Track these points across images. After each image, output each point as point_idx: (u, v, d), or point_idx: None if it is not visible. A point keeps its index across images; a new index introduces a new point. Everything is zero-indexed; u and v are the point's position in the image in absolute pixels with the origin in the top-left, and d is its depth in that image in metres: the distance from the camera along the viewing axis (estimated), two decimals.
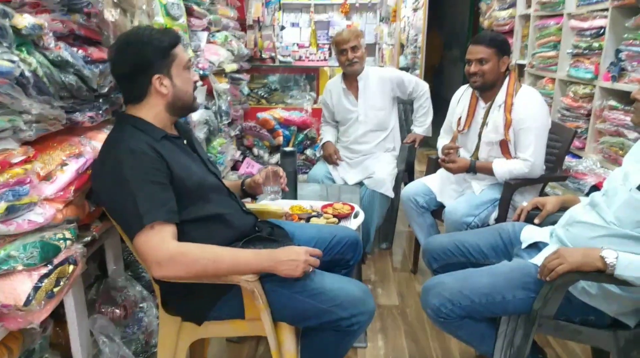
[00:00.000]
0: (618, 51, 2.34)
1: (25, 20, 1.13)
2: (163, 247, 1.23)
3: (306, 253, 1.33)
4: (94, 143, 1.49)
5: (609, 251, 1.29)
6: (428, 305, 1.48)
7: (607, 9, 2.42)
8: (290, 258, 1.31)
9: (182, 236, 1.31)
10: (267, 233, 1.56)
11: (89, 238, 1.44)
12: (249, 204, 1.80)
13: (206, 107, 2.68)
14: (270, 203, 1.84)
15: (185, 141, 1.50)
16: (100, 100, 1.54)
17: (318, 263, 1.36)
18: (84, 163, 1.38)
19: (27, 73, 1.13)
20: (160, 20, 2.01)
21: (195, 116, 2.42)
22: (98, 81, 1.47)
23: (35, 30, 1.18)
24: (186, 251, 1.26)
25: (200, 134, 2.50)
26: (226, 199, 1.51)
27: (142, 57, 1.35)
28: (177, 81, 1.40)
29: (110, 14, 1.52)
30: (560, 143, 2.28)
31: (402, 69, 6.18)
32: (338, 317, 1.35)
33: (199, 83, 2.49)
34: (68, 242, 1.26)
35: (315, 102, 4.13)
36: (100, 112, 1.53)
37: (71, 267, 1.27)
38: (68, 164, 1.33)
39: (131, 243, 1.30)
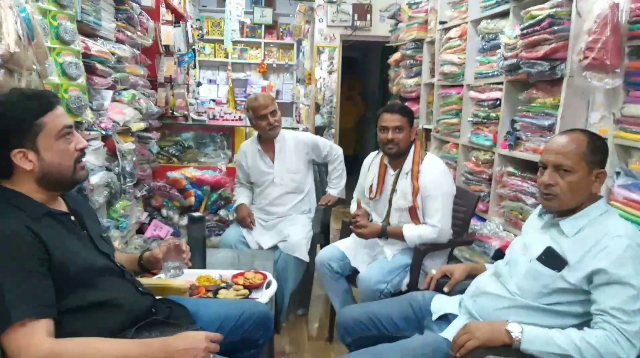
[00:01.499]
0: (513, 121, 2.51)
1: None
2: (32, 348, 1.06)
3: (206, 339, 1.21)
4: None
5: (515, 325, 1.31)
6: None
7: (501, 83, 2.62)
8: (187, 347, 1.18)
9: (64, 329, 1.14)
10: (165, 315, 1.41)
11: None
12: (148, 280, 1.65)
13: (108, 169, 2.50)
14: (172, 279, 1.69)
15: (73, 217, 1.35)
16: None
17: (218, 349, 1.24)
18: None
19: None
20: (55, 80, 1.88)
21: (94, 179, 2.24)
22: None
23: None
24: (61, 351, 1.09)
25: (99, 198, 2.32)
26: (117, 281, 1.35)
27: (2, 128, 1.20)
28: (45, 155, 1.22)
29: None
30: (465, 208, 2.36)
31: (318, 127, 6.33)
32: None
33: (97, 145, 2.34)
34: None
35: (230, 161, 4.05)
36: None
37: None
38: None
39: None
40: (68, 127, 1.26)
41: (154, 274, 1.75)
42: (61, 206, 1.35)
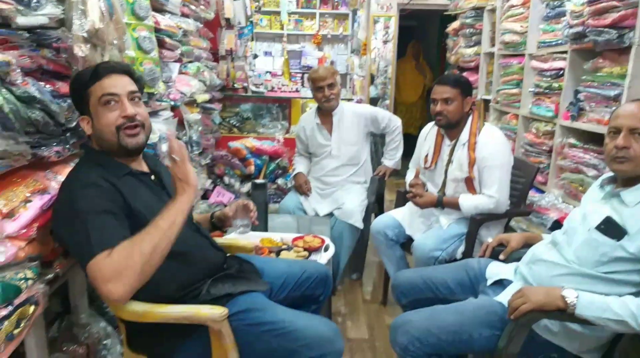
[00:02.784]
0: (577, 92, 2.45)
1: None
2: (105, 262, 1.17)
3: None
4: (60, 178, 1.46)
5: (570, 291, 1.34)
6: (396, 343, 1.49)
7: (566, 52, 2.55)
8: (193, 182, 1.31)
9: None
10: (236, 269, 1.54)
11: (51, 276, 1.40)
12: (218, 239, 1.79)
13: (177, 138, 2.67)
14: (240, 237, 1.82)
15: (153, 177, 1.48)
16: (68, 134, 1.53)
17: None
18: (48, 199, 1.35)
19: None
20: (131, 54, 2.01)
21: (164, 147, 2.40)
22: (66, 115, 1.46)
23: (2, 66, 1.18)
24: (119, 250, 1.18)
25: (169, 164, 2.48)
26: (193, 235, 1.49)
27: (71, 98, 1.39)
28: (95, 121, 1.36)
29: (80, 49, 1.51)
30: (524, 179, 2.36)
31: (372, 99, 6.31)
32: (306, 357, 1.34)
33: (167, 115, 2.48)
34: (29, 282, 1.23)
35: (287, 131, 4.16)
36: (68, 146, 1.51)
37: (32, 308, 1.23)
38: (32, 201, 1.30)
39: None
40: (109, 95, 1.34)
41: (224, 233, 1.89)
42: (142, 167, 1.48)
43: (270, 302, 1.45)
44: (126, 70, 1.42)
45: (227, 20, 3.86)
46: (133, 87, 1.40)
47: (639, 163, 1.39)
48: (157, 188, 1.48)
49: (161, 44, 2.45)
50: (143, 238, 1.20)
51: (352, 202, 2.76)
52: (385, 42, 5.97)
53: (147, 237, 1.20)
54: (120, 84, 1.37)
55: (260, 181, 2.37)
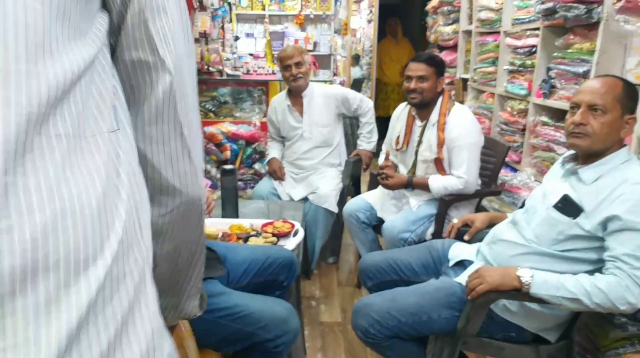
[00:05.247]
0: (549, 69, 2.43)
1: None
2: None
3: None
4: None
5: (525, 270, 1.33)
6: (357, 327, 1.49)
7: (538, 28, 2.52)
8: None
9: None
10: None
11: None
12: None
13: None
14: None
15: None
16: None
17: None
18: None
19: None
20: None
21: None
22: None
23: None
24: None
25: None
26: None
27: None
28: None
29: None
30: (495, 158, 2.35)
31: (356, 80, 6.24)
32: (263, 338, 1.34)
33: None
34: None
35: (264, 115, 4.11)
36: None
37: None
38: None
39: None
40: None
41: None
42: None
43: (225, 288, 1.43)
44: None
45: (200, 1, 3.78)
46: None
47: (596, 139, 1.38)
48: None
49: None
50: None
51: (326, 186, 2.74)
52: (369, 21, 5.89)
53: None
54: None
55: (229, 166, 2.32)
